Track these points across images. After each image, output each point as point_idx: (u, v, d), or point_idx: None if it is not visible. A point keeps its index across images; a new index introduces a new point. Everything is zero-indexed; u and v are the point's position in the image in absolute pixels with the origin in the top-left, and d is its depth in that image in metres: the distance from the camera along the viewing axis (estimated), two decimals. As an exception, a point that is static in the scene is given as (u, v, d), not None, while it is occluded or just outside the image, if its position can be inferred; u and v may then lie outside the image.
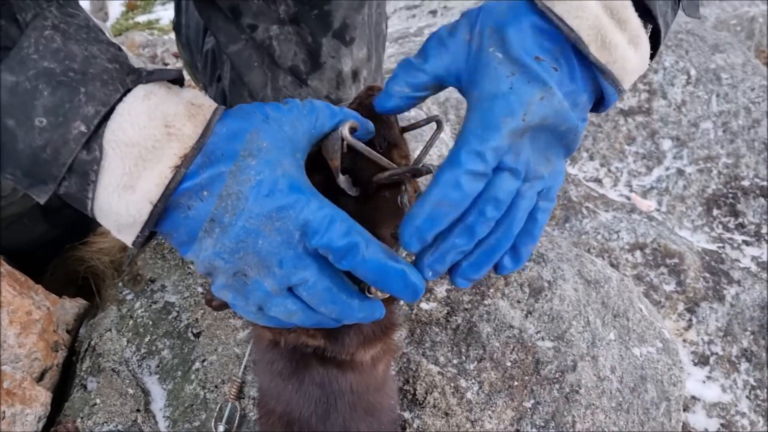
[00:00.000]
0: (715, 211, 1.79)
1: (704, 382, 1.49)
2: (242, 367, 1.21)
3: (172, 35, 3.99)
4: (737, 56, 2.07)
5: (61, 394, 1.25)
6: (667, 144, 1.91)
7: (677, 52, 2.06)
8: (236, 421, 1.17)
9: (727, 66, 2.03)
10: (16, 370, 1.13)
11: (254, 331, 0.87)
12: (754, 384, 1.49)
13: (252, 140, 0.64)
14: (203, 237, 0.63)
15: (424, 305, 1.21)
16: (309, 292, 0.65)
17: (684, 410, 1.37)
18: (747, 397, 1.48)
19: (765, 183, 1.79)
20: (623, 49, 0.66)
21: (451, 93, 1.95)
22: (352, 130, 0.74)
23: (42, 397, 1.15)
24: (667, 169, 1.87)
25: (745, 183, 1.81)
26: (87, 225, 1.55)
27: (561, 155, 0.71)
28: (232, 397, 1.18)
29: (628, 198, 1.84)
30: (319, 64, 1.16)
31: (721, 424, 1.43)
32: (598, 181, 1.88)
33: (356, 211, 0.74)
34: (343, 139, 0.74)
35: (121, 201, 0.61)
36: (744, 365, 1.51)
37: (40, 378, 1.20)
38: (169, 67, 0.67)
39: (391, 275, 0.64)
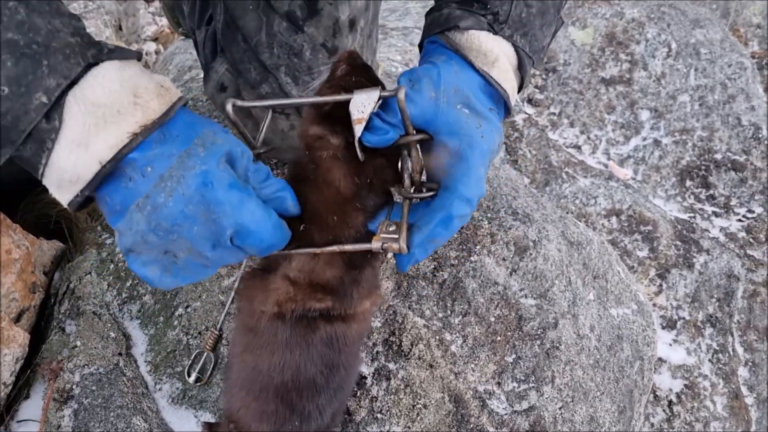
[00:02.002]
0: (688, 182, 1.84)
1: (671, 345, 1.55)
2: (222, 318, 1.20)
3: (141, -20, 3.84)
4: (716, 32, 2.11)
5: (36, 336, 1.23)
6: (645, 115, 1.94)
7: (659, 25, 2.08)
8: (209, 371, 1.17)
9: (706, 41, 2.07)
10: (-6, 310, 1.10)
11: (248, 309, 0.86)
12: (717, 348, 1.55)
13: (208, 135, 0.69)
14: (134, 210, 0.66)
15: (411, 259, 1.22)
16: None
17: (651, 371, 1.43)
18: (710, 360, 1.54)
19: (736, 157, 1.85)
20: (516, 97, 0.92)
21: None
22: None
23: (20, 337, 1.13)
24: (644, 139, 1.91)
25: (718, 156, 1.86)
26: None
27: None
28: (208, 347, 1.18)
29: (606, 165, 1.87)
30: (316, 10, 1.14)
31: (685, 385, 1.50)
32: (578, 147, 1.91)
33: (358, 168, 0.81)
34: (379, 101, 0.77)
35: (71, 157, 0.63)
36: (708, 330, 1.57)
37: (17, 319, 1.17)
38: (132, 48, 0.71)
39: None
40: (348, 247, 0.79)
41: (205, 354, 1.18)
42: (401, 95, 0.74)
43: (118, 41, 2.68)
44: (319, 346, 0.83)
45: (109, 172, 0.64)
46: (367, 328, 0.94)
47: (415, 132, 0.81)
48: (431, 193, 0.82)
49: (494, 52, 0.85)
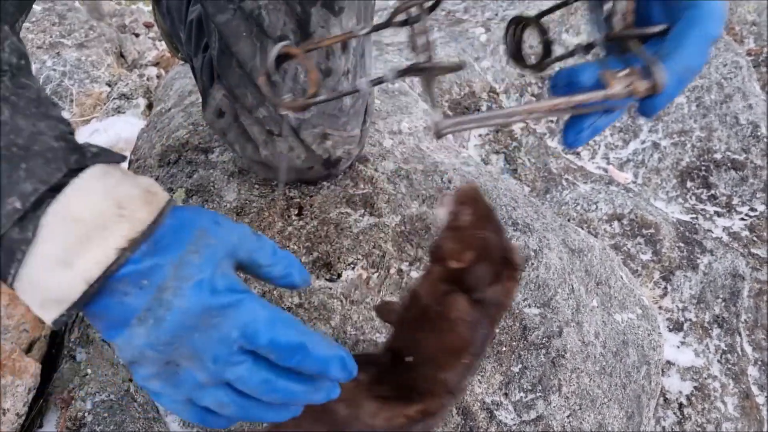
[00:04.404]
0: (689, 183, 1.84)
1: (678, 347, 1.55)
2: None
3: (141, 4, 3.90)
4: (710, 32, 2.11)
5: (48, 365, 1.25)
6: (642, 118, 1.95)
7: (653, 28, 2.09)
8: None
9: (700, 42, 2.08)
10: (5, 342, 1.12)
11: None
12: (725, 349, 1.55)
13: (201, 237, 0.63)
14: (136, 325, 0.60)
15: (414, 273, 1.24)
16: (246, 386, 0.64)
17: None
18: (718, 361, 1.54)
19: (736, 156, 1.85)
20: None
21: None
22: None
23: (31, 368, 1.14)
24: (643, 142, 1.92)
25: (717, 156, 1.87)
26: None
27: None
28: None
29: (606, 170, 1.88)
30: (309, 34, 1.16)
31: (695, 387, 1.50)
32: (577, 153, 1.92)
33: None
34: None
35: (54, 276, 0.58)
36: (716, 331, 1.57)
37: (28, 349, 1.19)
38: (114, 150, 0.64)
39: (334, 364, 0.65)
40: (579, 98, 0.60)
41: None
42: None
43: (119, 69, 2.72)
44: None
45: (99, 290, 0.59)
46: None
47: None
48: (663, 26, 0.64)
49: None
